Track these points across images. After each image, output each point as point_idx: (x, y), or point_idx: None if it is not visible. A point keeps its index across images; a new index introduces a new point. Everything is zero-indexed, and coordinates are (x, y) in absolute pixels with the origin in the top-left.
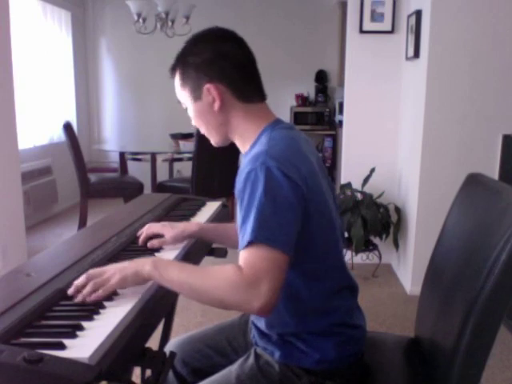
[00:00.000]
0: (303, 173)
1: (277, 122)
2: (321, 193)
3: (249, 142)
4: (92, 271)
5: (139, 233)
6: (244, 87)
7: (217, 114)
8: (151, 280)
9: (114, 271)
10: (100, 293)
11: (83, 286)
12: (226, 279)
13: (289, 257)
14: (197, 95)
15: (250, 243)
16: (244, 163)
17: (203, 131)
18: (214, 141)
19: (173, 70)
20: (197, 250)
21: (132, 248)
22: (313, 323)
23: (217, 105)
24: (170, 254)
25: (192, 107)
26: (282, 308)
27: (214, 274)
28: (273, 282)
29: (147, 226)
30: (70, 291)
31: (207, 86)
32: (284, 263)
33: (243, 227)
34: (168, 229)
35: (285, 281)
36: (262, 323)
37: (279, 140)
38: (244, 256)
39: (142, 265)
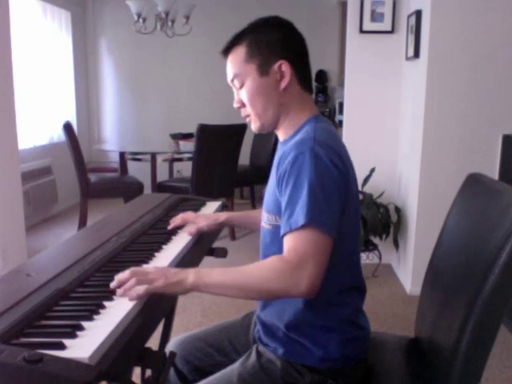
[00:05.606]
0: (345, 164)
1: (320, 116)
2: (354, 186)
3: (293, 129)
4: (136, 269)
5: (172, 220)
6: (306, 73)
7: (280, 92)
8: (192, 291)
9: (160, 275)
10: (141, 291)
11: (126, 280)
12: (271, 269)
13: (333, 240)
14: (264, 70)
15: (302, 226)
16: (285, 148)
17: (256, 111)
18: (262, 122)
19: (232, 45)
20: (197, 250)
21: (132, 248)
22: (322, 315)
23: (284, 82)
24: (169, 253)
25: (254, 83)
26: None
27: (258, 268)
28: (317, 265)
29: (181, 215)
30: (113, 284)
31: (281, 61)
32: (329, 246)
33: (288, 210)
34: (202, 218)
35: None
36: (271, 315)
37: (325, 130)
38: (291, 238)
39: (185, 275)
